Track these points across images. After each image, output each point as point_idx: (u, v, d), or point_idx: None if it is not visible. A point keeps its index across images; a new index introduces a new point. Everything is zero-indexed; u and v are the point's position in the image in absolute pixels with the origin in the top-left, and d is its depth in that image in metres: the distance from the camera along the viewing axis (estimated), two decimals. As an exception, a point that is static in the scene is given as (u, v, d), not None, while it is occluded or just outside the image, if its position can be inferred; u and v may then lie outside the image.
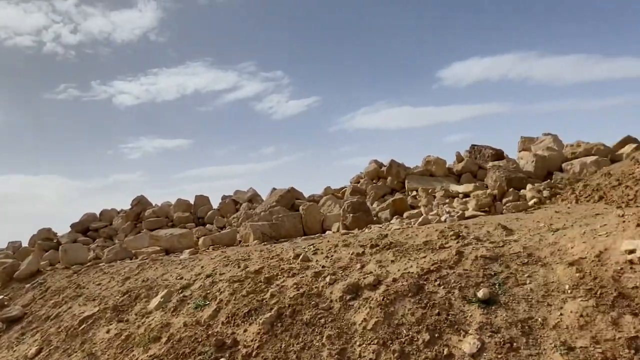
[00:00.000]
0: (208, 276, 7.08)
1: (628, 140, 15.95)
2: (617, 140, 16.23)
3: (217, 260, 7.96)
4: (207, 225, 16.75)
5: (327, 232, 12.18)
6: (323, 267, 6.26)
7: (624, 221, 4.96)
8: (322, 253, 7.07)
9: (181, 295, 6.71)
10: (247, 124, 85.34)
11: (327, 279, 5.75)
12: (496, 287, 4.69)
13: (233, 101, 79.22)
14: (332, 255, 6.74)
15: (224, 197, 19.51)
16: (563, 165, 15.25)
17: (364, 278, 5.52)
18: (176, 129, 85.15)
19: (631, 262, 4.22)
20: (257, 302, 5.71)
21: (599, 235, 4.94)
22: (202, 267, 7.79)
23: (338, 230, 11.82)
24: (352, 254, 6.50)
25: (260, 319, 5.25)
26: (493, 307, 4.38)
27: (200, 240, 12.11)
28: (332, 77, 76.91)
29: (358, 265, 6.01)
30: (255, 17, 71.95)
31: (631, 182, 10.01)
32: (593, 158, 14.74)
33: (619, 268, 4.24)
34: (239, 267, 7.12)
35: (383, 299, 4.94)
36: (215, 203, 19.35)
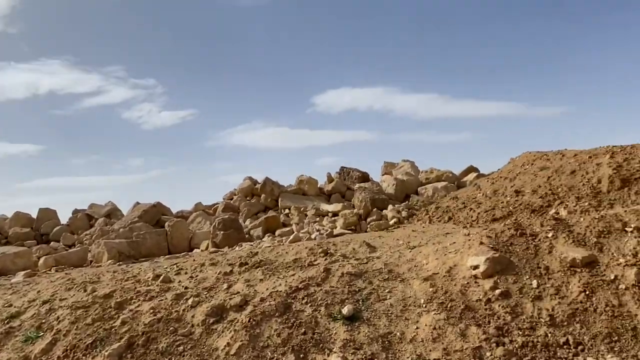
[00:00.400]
0: (45, 302, 6.03)
1: (471, 169, 18.38)
2: (462, 169, 18.61)
3: (58, 283, 6.86)
4: (52, 243, 14.59)
5: (195, 251, 11.51)
6: (186, 288, 5.78)
7: (469, 240, 5.51)
8: (186, 273, 6.56)
9: (7, 325, 5.58)
10: (112, 132, 77.61)
11: (190, 302, 5.30)
12: (360, 303, 4.79)
13: (96, 106, 71.52)
14: (197, 275, 6.28)
15: (75, 212, 17.31)
16: (419, 189, 16.85)
17: (230, 299, 5.21)
18: (23, 132, 73.73)
19: (475, 276, 4.67)
20: (104, 330, 5.00)
21: (449, 252, 5.40)
22: (38, 291, 6.64)
23: (207, 249, 11.24)
24: (219, 274, 6.13)
25: (107, 351, 4.57)
26: (356, 324, 4.44)
27: (41, 260, 10.44)
28: (210, 92, 74.68)
29: (225, 286, 5.68)
30: (129, 18, 66.77)
31: (474, 205, 11.40)
32: (443, 183, 16.57)
33: (466, 282, 4.66)
34: (85, 290, 6.22)
35: (249, 321, 4.69)
36: (65, 218, 17.05)
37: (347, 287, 5.14)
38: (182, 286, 5.88)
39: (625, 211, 5.28)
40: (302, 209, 15.14)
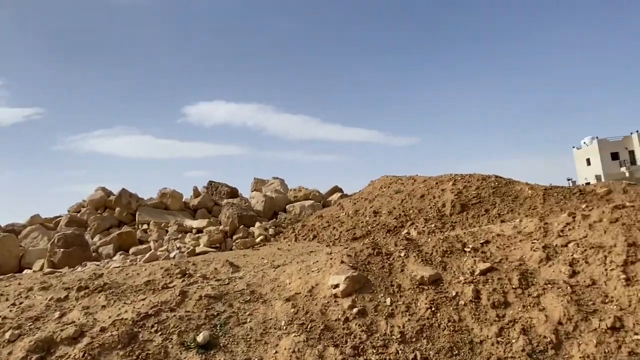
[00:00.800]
0: None
1: (336, 189, 19.25)
2: (328, 188, 19.39)
3: None
4: None
5: (26, 271, 9.81)
6: (4, 318, 4.78)
7: (331, 258, 5.59)
8: (7, 300, 5.47)
9: None
10: None
11: (7, 335, 4.38)
12: (217, 328, 4.47)
13: None
14: (21, 303, 5.27)
15: None
16: (287, 206, 17.02)
17: (62, 330, 4.43)
18: None
19: (335, 295, 4.71)
20: None
21: (312, 271, 5.40)
22: None
23: (42, 269, 9.66)
24: (50, 300, 5.23)
25: None
26: (212, 352, 4.11)
27: None
28: (65, 90, 66.44)
29: (56, 314, 4.84)
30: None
31: (337, 224, 11.85)
32: (310, 202, 17.01)
33: (326, 302, 4.67)
34: None
35: (84, 355, 4.02)
36: None
37: (205, 311, 4.77)
38: (0, 316, 4.85)
39: (465, 233, 5.91)
40: (162, 225, 14.09)
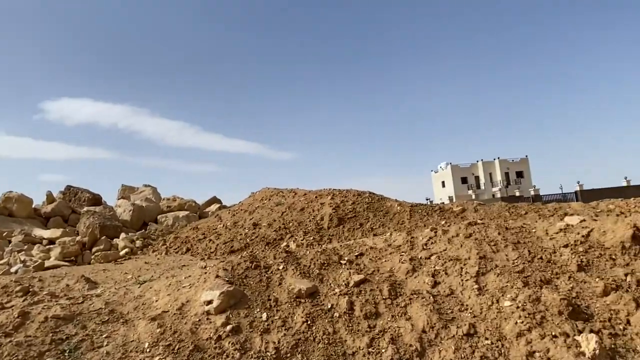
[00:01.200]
0: None
1: (214, 200, 18.60)
2: (205, 199, 18.65)
3: None
4: None
5: None
6: None
7: (205, 272, 5.26)
8: None
9: None
10: None
11: None
12: (66, 354, 3.86)
13: None
14: None
15: None
16: (159, 217, 15.89)
17: None
18: None
19: (208, 312, 4.41)
20: None
21: (184, 287, 5.02)
22: None
23: None
24: None
25: None
26: (57, 383, 3.52)
27: None
28: None
29: None
30: None
31: (214, 237, 11.37)
32: (185, 213, 16.12)
33: (198, 320, 4.35)
34: None
35: None
36: None
37: (51, 335, 4.11)
38: None
39: (341, 245, 6.06)
40: (4, 234, 12.07)
